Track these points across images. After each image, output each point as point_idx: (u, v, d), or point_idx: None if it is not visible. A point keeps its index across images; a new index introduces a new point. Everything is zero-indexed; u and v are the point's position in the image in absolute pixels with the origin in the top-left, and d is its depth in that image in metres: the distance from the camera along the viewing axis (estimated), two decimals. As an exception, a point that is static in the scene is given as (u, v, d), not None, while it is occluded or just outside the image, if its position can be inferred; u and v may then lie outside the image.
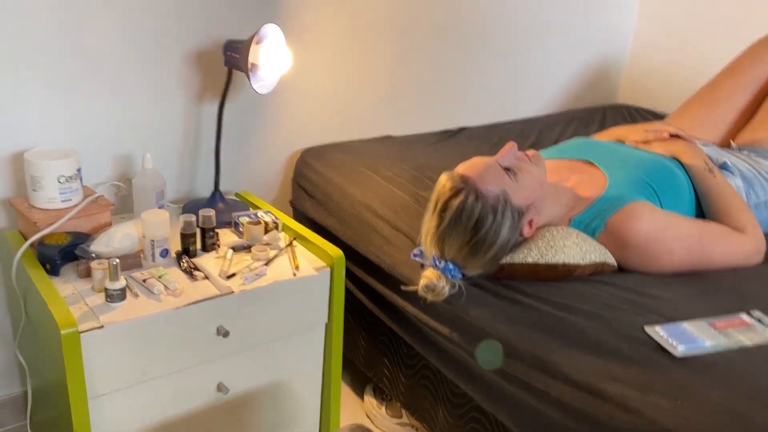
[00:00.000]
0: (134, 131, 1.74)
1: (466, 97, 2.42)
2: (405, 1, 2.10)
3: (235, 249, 1.56)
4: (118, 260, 1.31)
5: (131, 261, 1.46)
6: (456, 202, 1.35)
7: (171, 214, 1.72)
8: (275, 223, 1.66)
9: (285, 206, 2.08)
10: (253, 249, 1.56)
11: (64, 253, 1.44)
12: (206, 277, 1.45)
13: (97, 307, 1.32)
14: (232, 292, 1.41)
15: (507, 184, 1.38)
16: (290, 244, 1.62)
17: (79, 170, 1.53)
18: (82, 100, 1.63)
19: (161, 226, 1.47)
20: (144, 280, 1.40)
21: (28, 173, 1.48)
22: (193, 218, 1.52)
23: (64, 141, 1.63)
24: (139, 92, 1.71)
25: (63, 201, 1.50)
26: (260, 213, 1.71)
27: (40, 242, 1.44)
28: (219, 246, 1.58)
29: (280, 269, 1.52)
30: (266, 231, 1.64)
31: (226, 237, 1.66)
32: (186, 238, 1.52)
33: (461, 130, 2.38)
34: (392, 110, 2.24)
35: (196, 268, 1.48)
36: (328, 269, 1.56)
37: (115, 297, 1.32)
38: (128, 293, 1.37)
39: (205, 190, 1.89)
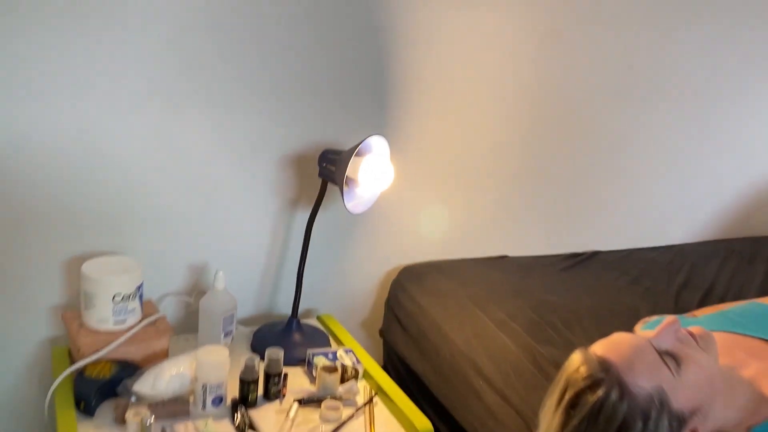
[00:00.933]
0: (215, 237, 1.53)
1: (599, 215, 2.05)
2: (528, 107, 1.80)
3: (303, 402, 1.28)
4: (152, 418, 1.06)
5: (178, 408, 1.21)
6: (592, 399, 0.99)
7: (238, 341, 1.49)
8: (355, 369, 1.37)
9: (374, 335, 1.79)
10: (323, 404, 1.26)
11: (104, 390, 1.21)
12: (260, 443, 1.18)
13: (122, 474, 1.07)
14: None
15: (665, 379, 1.01)
16: (369, 401, 1.31)
17: (139, 287, 1.32)
18: (162, 200, 1.44)
19: (217, 369, 1.22)
20: (185, 440, 1.14)
21: (82, 288, 1.29)
22: (256, 361, 1.26)
23: (134, 245, 1.44)
24: (227, 195, 1.51)
25: (116, 323, 1.30)
26: (340, 352, 1.42)
27: (81, 372, 1.23)
28: (284, 395, 1.31)
29: (353, 439, 1.21)
30: (343, 379, 1.35)
31: (296, 379, 1.38)
32: (245, 384, 1.25)
33: (593, 254, 2.01)
34: (509, 227, 1.91)
35: (251, 426, 1.20)
36: (413, 446, 1.23)
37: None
38: (163, 456, 1.11)
39: (286, 307, 1.64)
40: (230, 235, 1.54)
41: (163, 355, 1.34)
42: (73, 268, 1.39)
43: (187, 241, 1.50)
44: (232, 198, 1.51)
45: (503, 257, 1.91)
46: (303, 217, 1.58)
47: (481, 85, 1.70)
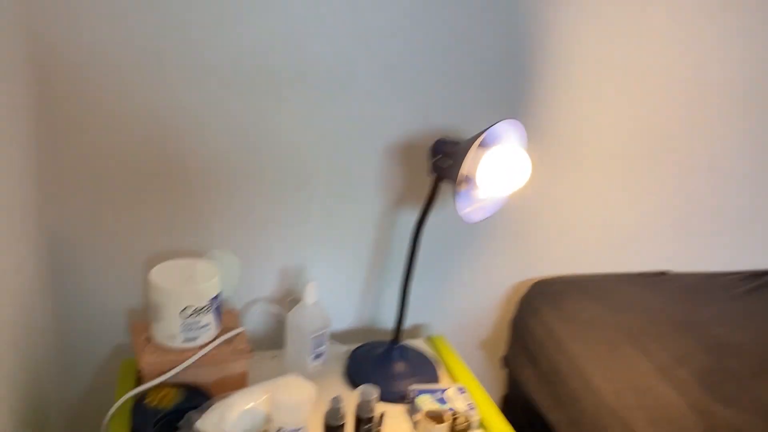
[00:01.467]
0: (310, 238, 1.30)
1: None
2: (709, 89, 1.39)
3: (400, 458, 1.02)
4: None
5: (247, 453, 0.99)
6: None
7: (332, 362, 1.25)
8: (467, 420, 1.08)
9: (494, 360, 1.49)
10: (425, 464, 1.00)
11: (164, 424, 1.02)
12: None
13: None
14: None
15: None
16: (485, 464, 1.03)
17: (215, 298, 1.12)
18: (251, 192, 1.23)
19: (295, 411, 0.98)
20: (251, 499, 0.92)
21: (150, 297, 1.10)
22: (342, 404, 1.01)
23: (220, 244, 1.24)
24: (323, 189, 1.26)
25: (185, 340, 1.10)
26: (451, 392, 1.15)
27: (142, 398, 1.05)
28: (378, 444, 1.05)
29: None
30: (453, 430, 1.07)
31: (396, 423, 1.12)
32: (330, 431, 1.01)
33: (784, 273, 1.57)
34: (672, 234, 1.52)
35: (333, 487, 0.96)
36: None
37: None
38: None
39: (391, 319, 1.39)
40: (326, 236, 1.30)
41: (240, 380, 1.14)
42: (152, 267, 1.21)
43: (278, 243, 1.28)
44: (328, 192, 1.27)
45: (662, 273, 1.53)
46: (411, 218, 1.31)
47: (649, 59, 1.33)
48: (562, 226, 1.43)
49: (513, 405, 1.42)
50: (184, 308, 1.08)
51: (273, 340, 1.34)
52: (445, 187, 1.16)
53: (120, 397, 1.08)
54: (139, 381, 1.11)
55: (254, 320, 1.32)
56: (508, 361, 1.40)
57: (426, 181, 1.19)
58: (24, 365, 1.00)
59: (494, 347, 1.49)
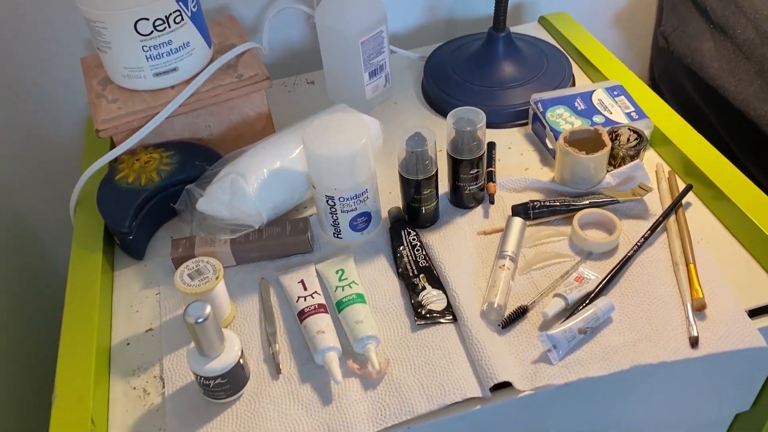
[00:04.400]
0: None
1: None
2: None
3: (532, 212, 0.62)
4: (208, 313, 0.47)
5: (284, 243, 0.62)
6: None
7: (399, 80, 0.82)
8: (638, 135, 0.65)
9: (640, 40, 1.00)
10: (576, 219, 0.60)
11: (153, 206, 0.65)
12: (446, 313, 0.56)
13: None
14: (520, 391, 0.51)
15: None
16: (677, 203, 0.61)
17: (185, 1, 0.65)
18: None
19: (350, 165, 0.57)
20: (306, 312, 0.56)
21: (81, 11, 0.65)
22: (427, 141, 0.58)
23: None
24: None
25: (157, 74, 0.67)
26: (599, 94, 0.70)
27: (110, 175, 0.67)
28: (493, 193, 0.65)
29: (652, 288, 0.55)
30: (615, 157, 0.65)
31: (513, 157, 0.70)
32: (411, 186, 0.61)
33: None
34: None
35: (429, 275, 0.59)
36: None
37: (215, 390, 0.51)
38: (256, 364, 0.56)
39: (480, 3, 0.91)
40: None
41: (259, 127, 0.73)
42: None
43: None
44: None
45: None
46: None
47: None
48: None
49: (679, 100, 0.96)
50: (137, 20, 0.63)
51: (304, 60, 0.90)
52: None
53: (84, 175, 0.69)
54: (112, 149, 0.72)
55: (271, 32, 0.86)
56: (668, 36, 0.90)
57: None
58: None
59: (637, 21, 1.00)
